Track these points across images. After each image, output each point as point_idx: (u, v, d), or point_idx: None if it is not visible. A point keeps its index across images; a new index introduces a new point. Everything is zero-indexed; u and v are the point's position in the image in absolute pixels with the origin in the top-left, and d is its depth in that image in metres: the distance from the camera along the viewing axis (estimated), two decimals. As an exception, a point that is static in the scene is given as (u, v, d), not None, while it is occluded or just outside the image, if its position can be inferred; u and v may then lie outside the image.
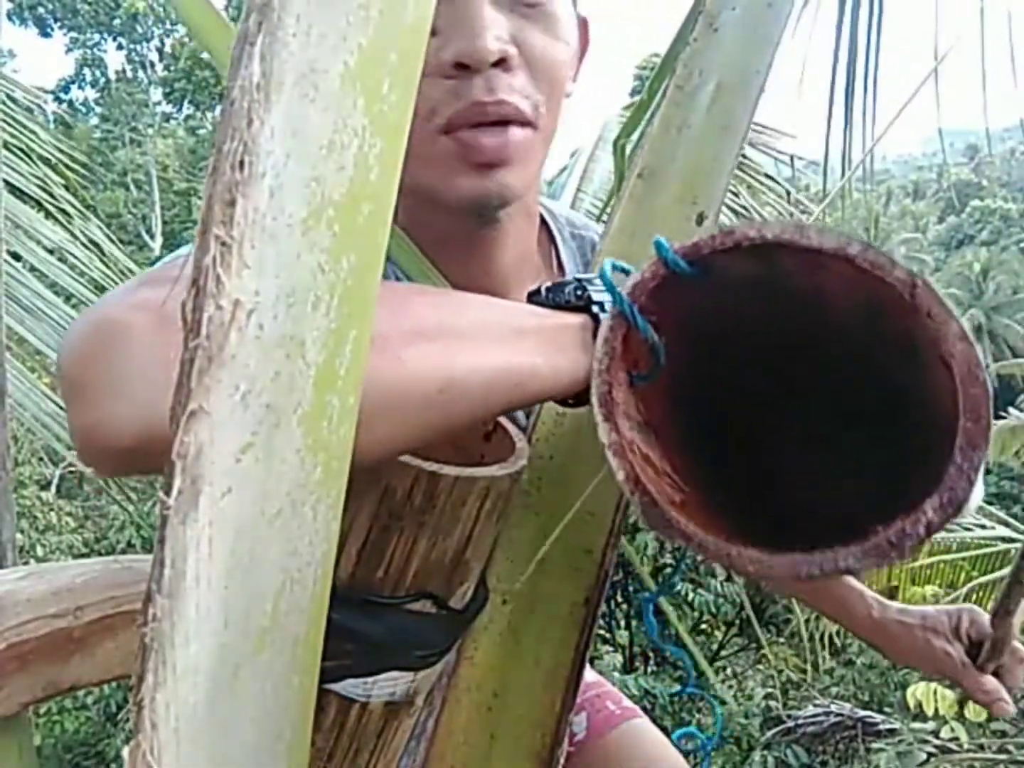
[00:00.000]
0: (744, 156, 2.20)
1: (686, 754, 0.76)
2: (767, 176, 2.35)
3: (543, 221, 0.68)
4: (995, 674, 0.78)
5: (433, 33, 0.49)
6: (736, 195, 2.22)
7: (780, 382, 0.39)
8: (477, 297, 0.43)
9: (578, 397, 0.42)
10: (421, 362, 0.35)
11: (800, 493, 0.40)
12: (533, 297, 0.47)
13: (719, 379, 0.40)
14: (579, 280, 0.45)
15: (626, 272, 0.42)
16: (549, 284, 0.47)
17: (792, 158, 2.28)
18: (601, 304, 0.43)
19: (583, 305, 0.44)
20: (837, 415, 0.38)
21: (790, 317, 0.35)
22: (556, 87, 0.54)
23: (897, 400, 0.33)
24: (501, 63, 0.49)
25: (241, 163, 0.22)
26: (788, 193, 2.36)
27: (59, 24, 19.63)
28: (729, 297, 0.35)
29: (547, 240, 0.68)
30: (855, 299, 0.30)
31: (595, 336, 0.42)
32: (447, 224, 0.57)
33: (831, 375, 0.37)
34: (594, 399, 0.36)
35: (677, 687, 3.88)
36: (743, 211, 2.22)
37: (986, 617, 0.78)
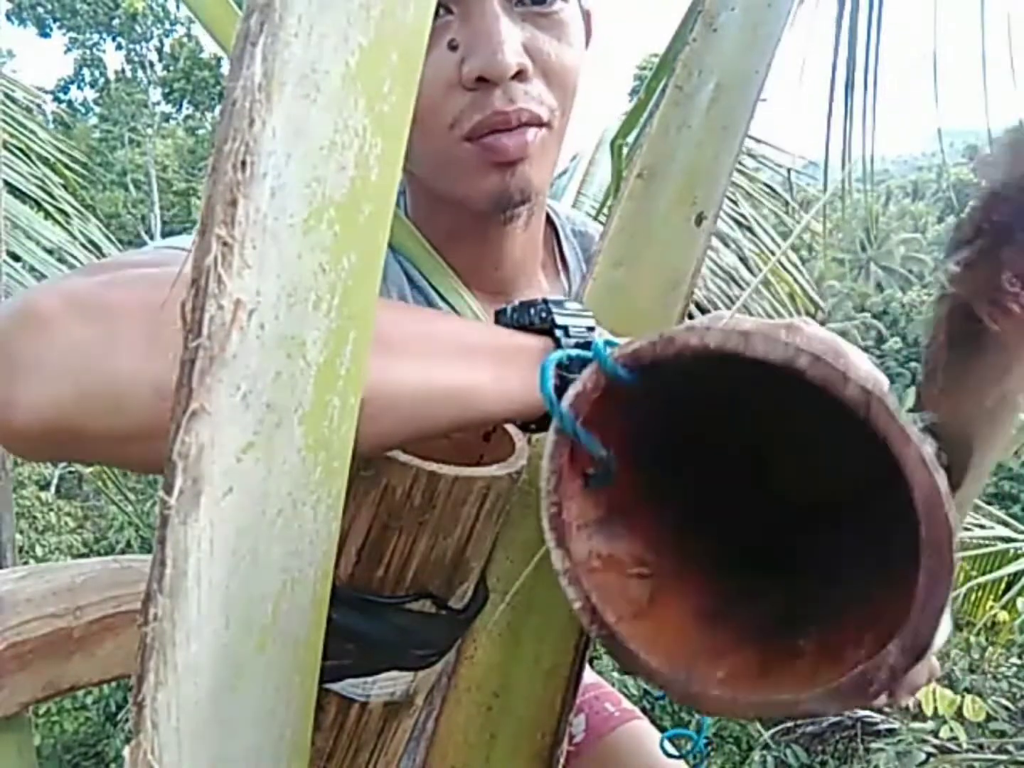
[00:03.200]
0: (740, 164, 2.20)
1: (683, 756, 0.76)
2: (766, 186, 2.35)
3: (547, 219, 0.70)
4: None
5: (452, 47, 0.51)
6: (735, 203, 2.22)
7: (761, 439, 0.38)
8: (429, 311, 0.42)
9: (540, 421, 0.41)
10: None
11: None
12: (499, 317, 0.47)
13: (699, 431, 0.38)
14: (546, 301, 0.44)
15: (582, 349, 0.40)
16: (516, 304, 0.46)
17: (789, 171, 2.28)
18: (565, 328, 0.43)
19: (547, 328, 0.43)
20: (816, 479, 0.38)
21: (754, 395, 0.33)
22: (568, 90, 0.56)
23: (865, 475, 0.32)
24: (518, 75, 0.52)
25: (243, 163, 0.22)
26: (787, 204, 2.35)
27: (58, 24, 19.63)
28: (691, 371, 0.34)
29: (551, 237, 0.71)
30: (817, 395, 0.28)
31: None
32: (461, 222, 0.59)
33: (806, 441, 0.36)
34: (544, 523, 0.34)
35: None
36: (742, 219, 2.22)
37: None
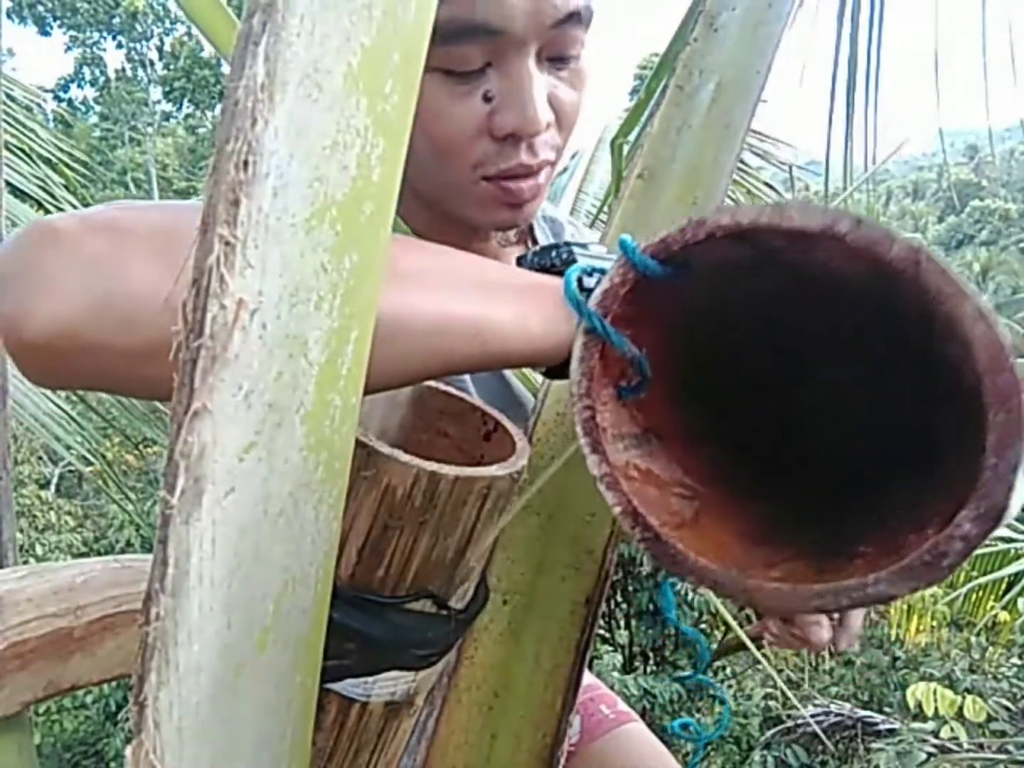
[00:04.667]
0: (743, 162, 2.20)
1: (684, 753, 0.76)
2: (766, 184, 2.35)
3: None
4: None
5: (487, 99, 0.52)
6: (734, 201, 2.22)
7: (797, 348, 0.36)
8: (442, 247, 0.41)
9: (563, 368, 0.40)
10: None
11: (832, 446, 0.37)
12: (520, 261, 0.47)
13: (731, 352, 0.37)
14: (568, 244, 0.44)
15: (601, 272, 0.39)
16: (537, 248, 0.46)
17: (791, 167, 2.28)
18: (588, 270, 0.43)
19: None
20: (858, 378, 0.35)
21: (788, 288, 0.32)
22: (574, 129, 0.59)
23: (919, 366, 0.29)
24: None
25: (245, 163, 0.22)
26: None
27: (58, 23, 19.62)
28: (721, 275, 0.32)
29: None
30: (857, 268, 0.26)
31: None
32: (451, 228, 0.61)
33: (847, 339, 0.33)
34: (578, 428, 0.32)
35: (677, 687, 3.88)
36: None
37: None
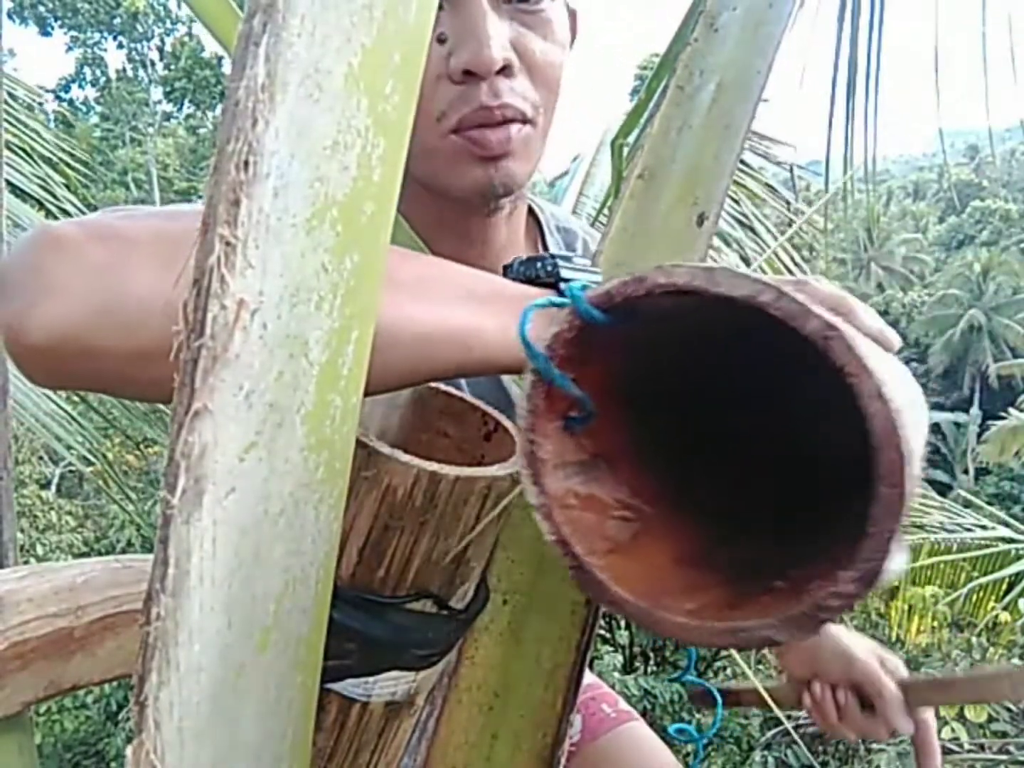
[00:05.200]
0: (743, 162, 2.20)
1: (685, 753, 0.76)
2: (767, 186, 2.35)
3: (531, 212, 0.72)
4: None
5: (440, 40, 0.51)
6: (737, 202, 2.22)
7: (743, 379, 0.39)
8: (440, 260, 0.43)
9: None
10: None
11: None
12: (506, 271, 0.48)
13: (684, 375, 0.39)
14: (553, 256, 0.46)
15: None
16: (523, 258, 0.47)
17: (792, 167, 2.28)
18: (570, 282, 0.44)
19: (552, 281, 0.45)
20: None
21: (730, 335, 0.34)
22: (552, 87, 0.57)
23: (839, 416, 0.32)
24: (504, 70, 0.53)
25: (246, 163, 0.22)
26: (788, 204, 2.35)
27: (59, 23, 19.63)
28: (669, 312, 0.34)
29: (535, 229, 0.73)
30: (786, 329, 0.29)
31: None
32: (446, 211, 0.61)
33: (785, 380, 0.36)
34: (520, 460, 0.35)
35: (677, 688, 3.88)
36: (744, 218, 2.22)
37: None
